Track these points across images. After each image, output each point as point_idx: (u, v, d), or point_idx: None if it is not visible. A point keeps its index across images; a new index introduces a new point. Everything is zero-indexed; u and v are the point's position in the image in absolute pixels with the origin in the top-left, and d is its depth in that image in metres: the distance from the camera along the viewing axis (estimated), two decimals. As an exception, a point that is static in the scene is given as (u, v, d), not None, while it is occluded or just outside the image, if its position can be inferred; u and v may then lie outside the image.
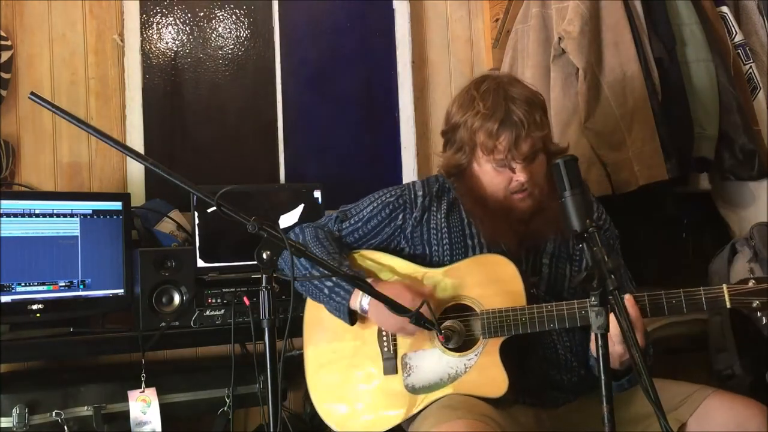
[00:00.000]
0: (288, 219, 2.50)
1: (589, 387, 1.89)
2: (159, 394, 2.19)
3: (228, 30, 2.89)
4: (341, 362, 1.93)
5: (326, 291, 1.88)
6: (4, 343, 2.04)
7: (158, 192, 2.61)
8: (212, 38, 2.86)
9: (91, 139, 2.59)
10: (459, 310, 1.86)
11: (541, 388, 1.89)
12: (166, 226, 2.49)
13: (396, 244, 2.00)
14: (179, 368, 2.43)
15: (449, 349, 1.83)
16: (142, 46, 2.71)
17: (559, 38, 2.67)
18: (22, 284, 2.14)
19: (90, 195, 2.45)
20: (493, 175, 1.88)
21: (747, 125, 2.75)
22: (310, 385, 1.97)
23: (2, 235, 2.11)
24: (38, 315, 2.16)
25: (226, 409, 2.30)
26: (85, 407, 2.13)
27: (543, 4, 2.80)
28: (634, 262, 2.10)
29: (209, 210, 2.37)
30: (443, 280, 1.88)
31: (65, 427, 2.08)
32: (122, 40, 2.66)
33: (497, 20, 3.09)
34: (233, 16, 2.90)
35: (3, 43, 2.47)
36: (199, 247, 2.37)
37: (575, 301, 1.77)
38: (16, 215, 2.14)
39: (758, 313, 1.69)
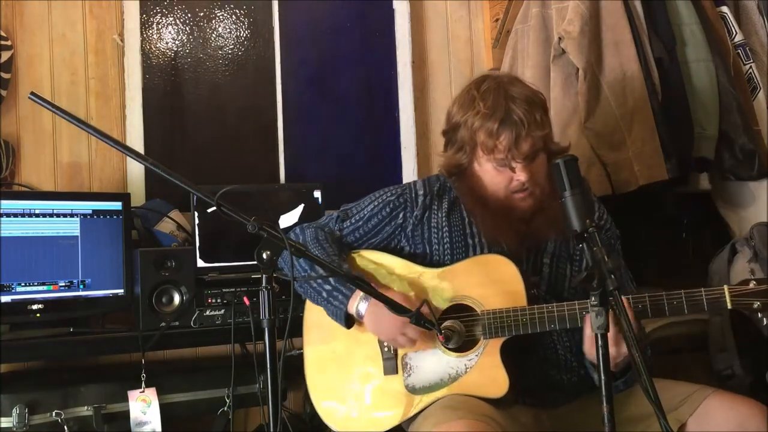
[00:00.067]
0: (288, 219, 2.50)
1: (589, 387, 1.89)
2: (159, 394, 2.19)
3: (228, 30, 2.89)
4: (341, 362, 1.93)
5: (324, 294, 1.88)
6: (4, 343, 2.04)
7: (158, 192, 2.61)
8: (212, 38, 2.86)
9: (91, 139, 2.59)
10: (459, 310, 1.86)
11: (541, 389, 1.88)
12: (166, 226, 2.49)
13: (396, 243, 2.00)
14: (179, 368, 2.43)
15: (449, 350, 1.83)
16: (142, 46, 2.71)
17: (559, 38, 2.67)
18: (22, 284, 2.14)
19: (90, 195, 2.45)
20: (494, 175, 1.88)
21: (747, 125, 2.75)
22: (310, 385, 1.97)
23: (2, 235, 2.11)
24: (38, 315, 2.16)
25: (226, 409, 2.29)
26: (85, 407, 2.13)
27: (543, 4, 2.80)
28: (634, 262, 2.10)
29: (209, 210, 2.37)
30: (443, 280, 1.88)
31: (65, 427, 2.08)
32: (122, 40, 2.66)
33: (497, 20, 3.09)
34: (233, 16, 2.89)
35: (3, 43, 2.46)
36: (199, 247, 2.37)
37: (576, 301, 1.77)
38: (16, 215, 2.14)
39: (759, 314, 1.70)
